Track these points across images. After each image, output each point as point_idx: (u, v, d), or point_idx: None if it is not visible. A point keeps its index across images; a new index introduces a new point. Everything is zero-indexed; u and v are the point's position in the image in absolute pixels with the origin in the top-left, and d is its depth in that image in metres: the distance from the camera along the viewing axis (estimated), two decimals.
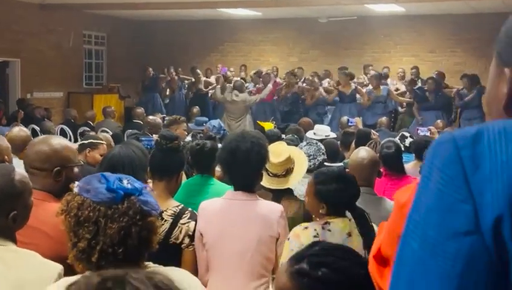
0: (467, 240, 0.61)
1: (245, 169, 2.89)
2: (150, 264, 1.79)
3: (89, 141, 5.02)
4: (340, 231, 2.62)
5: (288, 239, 2.68)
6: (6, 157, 3.48)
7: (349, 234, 2.63)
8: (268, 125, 7.49)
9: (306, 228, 2.71)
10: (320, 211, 2.78)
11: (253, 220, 2.82)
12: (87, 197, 1.69)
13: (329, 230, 2.62)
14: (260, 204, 2.91)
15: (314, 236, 2.59)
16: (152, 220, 1.72)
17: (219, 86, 12.11)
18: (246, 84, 12.58)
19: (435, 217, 0.64)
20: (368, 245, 2.57)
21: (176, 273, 1.75)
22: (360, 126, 8.13)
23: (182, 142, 3.71)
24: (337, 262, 1.46)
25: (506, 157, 0.62)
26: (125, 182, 1.72)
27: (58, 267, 1.96)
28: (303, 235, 2.64)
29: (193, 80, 13.68)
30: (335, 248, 1.60)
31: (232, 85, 12.22)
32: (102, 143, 5.08)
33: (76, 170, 2.60)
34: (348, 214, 2.81)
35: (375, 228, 3.36)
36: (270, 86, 11.96)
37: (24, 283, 1.87)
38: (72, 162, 2.58)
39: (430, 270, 0.63)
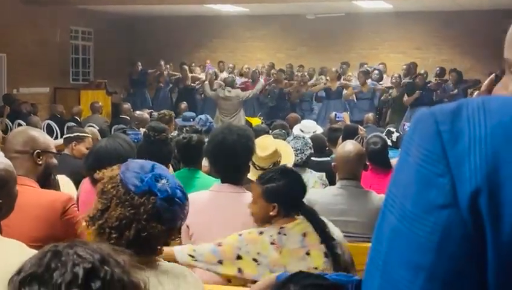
0: (444, 213, 0.62)
1: (232, 161, 2.90)
2: (156, 258, 1.78)
3: (75, 134, 5.00)
4: (295, 233, 2.55)
5: (240, 235, 2.56)
6: None
7: (305, 234, 2.56)
8: (256, 121, 7.50)
9: (261, 233, 2.56)
10: (271, 213, 2.58)
11: (240, 212, 2.82)
12: (119, 174, 1.73)
13: (284, 234, 2.55)
14: (247, 196, 2.91)
15: (271, 243, 2.52)
16: (159, 227, 1.69)
17: (207, 82, 12.07)
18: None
19: (412, 191, 0.65)
20: (325, 240, 2.53)
21: (178, 270, 1.76)
22: (348, 121, 8.17)
23: (169, 136, 3.72)
24: None
25: (485, 131, 0.62)
26: (162, 181, 1.71)
27: None
28: (260, 242, 2.52)
29: (180, 76, 13.63)
30: (307, 286, 1.52)
31: (219, 81, 12.21)
32: (88, 136, 5.07)
33: (55, 160, 2.74)
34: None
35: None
36: (261, 81, 11.96)
37: (10, 272, 1.86)
38: (51, 150, 2.72)
39: (408, 243, 0.64)
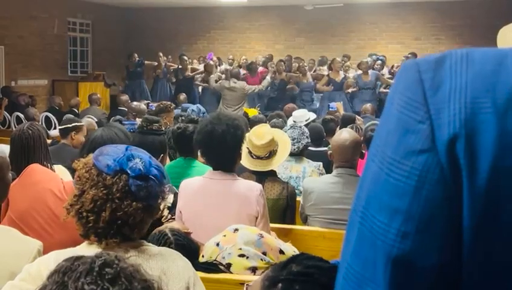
0: (422, 158, 0.63)
1: (222, 151, 2.92)
2: (144, 242, 1.79)
3: (73, 124, 5.01)
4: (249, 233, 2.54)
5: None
6: None
7: (261, 235, 2.54)
8: (253, 112, 7.50)
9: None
10: None
11: (232, 198, 2.84)
12: (92, 159, 1.75)
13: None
14: (239, 183, 2.94)
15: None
16: (134, 205, 1.70)
17: (213, 76, 12.02)
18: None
19: (393, 138, 0.66)
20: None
21: (167, 254, 1.76)
22: (341, 111, 8.16)
23: (164, 127, 3.72)
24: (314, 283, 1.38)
25: (466, 80, 0.63)
26: (135, 161, 1.72)
27: (38, 244, 1.96)
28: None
29: (180, 66, 13.59)
30: (309, 266, 1.47)
31: (218, 73, 12.18)
32: (83, 124, 5.10)
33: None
34: None
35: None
36: (268, 78, 11.90)
37: (2, 258, 1.86)
38: None
39: (386, 188, 0.65)
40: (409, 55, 12.85)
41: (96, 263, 1.13)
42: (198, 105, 7.39)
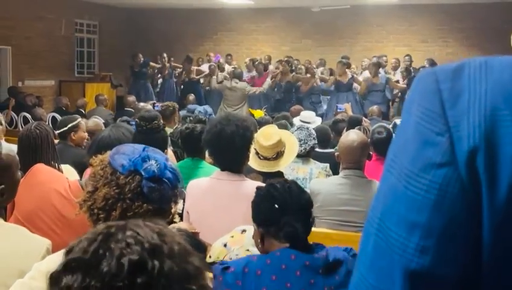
0: (441, 172, 0.62)
1: (230, 151, 2.91)
2: None
3: (68, 126, 4.97)
4: None
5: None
6: None
7: None
8: (259, 113, 7.50)
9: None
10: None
11: (239, 198, 2.83)
12: (108, 157, 1.75)
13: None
14: (246, 184, 2.92)
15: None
16: (145, 207, 1.69)
17: (215, 77, 12.07)
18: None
19: (411, 149, 0.64)
20: None
21: None
22: (350, 112, 8.14)
23: (162, 123, 3.72)
24: None
25: (485, 89, 0.62)
26: (150, 162, 1.71)
27: (46, 242, 1.96)
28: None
29: (182, 68, 13.61)
30: None
31: (225, 74, 12.19)
32: (79, 120, 5.07)
33: None
34: None
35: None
36: (268, 80, 11.93)
37: (11, 256, 1.87)
38: None
39: (404, 201, 0.64)
40: (407, 57, 12.85)
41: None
42: (205, 106, 7.39)
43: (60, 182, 2.74)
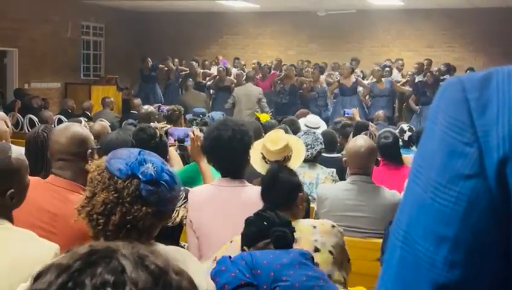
0: (470, 183, 0.60)
1: (228, 156, 2.89)
2: (153, 242, 1.79)
3: None
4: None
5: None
6: (4, 141, 3.47)
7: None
8: (265, 117, 7.48)
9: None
10: None
11: (241, 205, 2.80)
12: (105, 162, 1.75)
13: None
14: (248, 189, 2.90)
15: None
16: (144, 210, 1.70)
17: (231, 101, 11.59)
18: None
19: (438, 160, 0.63)
20: None
21: (178, 255, 1.75)
22: (357, 117, 8.12)
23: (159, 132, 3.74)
24: None
25: None
26: (147, 165, 1.72)
27: (55, 247, 1.96)
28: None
29: (189, 71, 13.58)
30: None
31: (232, 78, 12.16)
32: (82, 123, 5.08)
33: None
34: None
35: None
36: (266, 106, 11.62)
37: (20, 261, 1.86)
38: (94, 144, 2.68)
39: (431, 213, 0.63)
40: (424, 62, 12.81)
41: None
42: (213, 113, 7.35)
43: (38, 183, 2.72)
